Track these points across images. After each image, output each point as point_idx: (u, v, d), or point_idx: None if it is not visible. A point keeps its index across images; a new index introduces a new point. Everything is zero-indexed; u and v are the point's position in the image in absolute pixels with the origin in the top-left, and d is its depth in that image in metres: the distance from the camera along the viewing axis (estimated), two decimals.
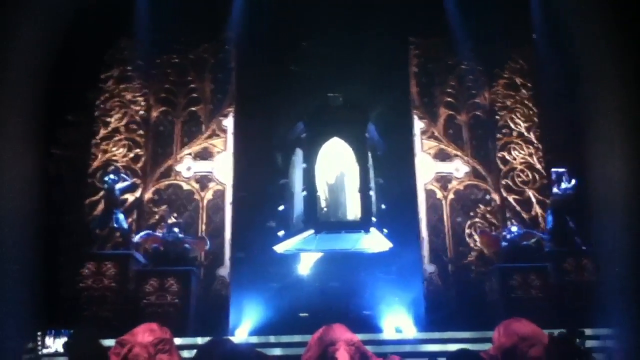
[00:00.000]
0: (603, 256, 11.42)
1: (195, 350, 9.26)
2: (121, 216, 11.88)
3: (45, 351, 9.79)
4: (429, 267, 12.91)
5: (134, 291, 11.35)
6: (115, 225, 11.75)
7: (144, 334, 9.43)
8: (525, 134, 13.85)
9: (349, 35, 14.03)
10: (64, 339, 9.83)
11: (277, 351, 9.74)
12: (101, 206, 12.22)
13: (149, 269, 11.81)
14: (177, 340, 9.93)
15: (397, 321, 11.80)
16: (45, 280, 10.71)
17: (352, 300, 12.06)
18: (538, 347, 9.57)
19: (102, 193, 12.31)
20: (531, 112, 14.04)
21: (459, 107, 14.26)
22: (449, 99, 14.28)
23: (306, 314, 11.88)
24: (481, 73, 14.34)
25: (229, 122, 13.83)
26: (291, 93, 14.03)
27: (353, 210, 13.26)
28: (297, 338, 9.95)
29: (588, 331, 10.21)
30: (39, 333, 9.81)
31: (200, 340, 10.03)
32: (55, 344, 9.85)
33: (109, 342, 9.02)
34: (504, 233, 12.50)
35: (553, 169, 12.93)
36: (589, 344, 9.22)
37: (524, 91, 14.18)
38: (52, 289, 11.12)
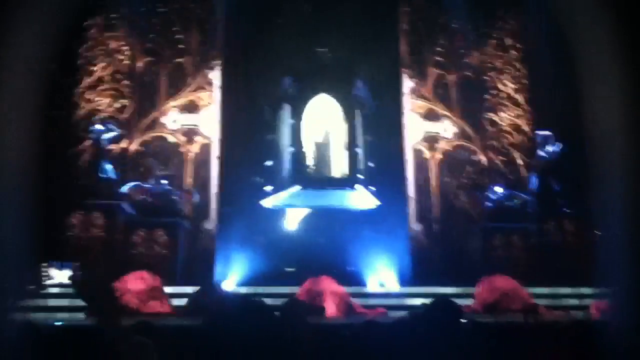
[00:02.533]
0: (586, 218, 11.67)
1: (185, 299, 9.37)
2: (109, 166, 11.79)
3: (49, 282, 9.88)
4: (415, 226, 13.09)
5: (123, 241, 11.36)
6: (102, 175, 11.66)
7: (135, 281, 9.51)
8: (514, 95, 13.91)
9: None
10: (67, 271, 9.94)
11: (266, 301, 9.86)
12: (87, 156, 12.10)
13: (137, 219, 11.79)
14: (166, 289, 10.02)
15: (382, 277, 11.99)
16: (35, 228, 10.64)
17: (338, 256, 12.17)
18: (518, 303, 9.85)
19: (87, 143, 12.16)
20: (520, 73, 14.07)
21: (448, 67, 14.22)
22: (438, 58, 14.21)
23: (292, 269, 12.00)
24: (472, 33, 14.25)
25: (215, 75, 13.63)
26: (279, 47, 13.81)
27: (340, 167, 13.31)
28: (285, 289, 10.07)
29: (567, 290, 10.56)
30: (42, 264, 9.88)
31: (189, 289, 10.13)
32: (59, 275, 9.95)
33: None
34: (489, 194, 12.68)
35: (538, 131, 13.07)
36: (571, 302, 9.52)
37: (513, 52, 14.18)
38: (43, 237, 11.05)
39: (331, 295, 9.73)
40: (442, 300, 4.40)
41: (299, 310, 4.19)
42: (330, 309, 9.56)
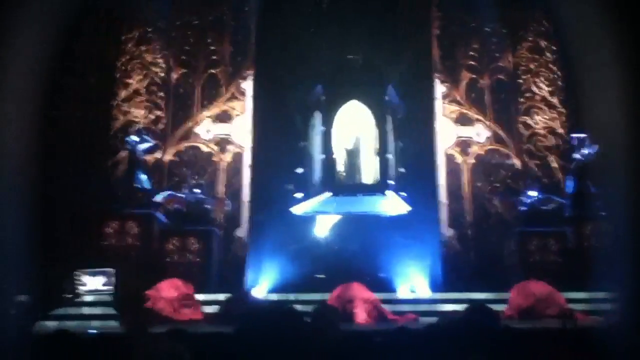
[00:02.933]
0: (621, 222, 11.36)
1: (216, 306, 9.47)
2: (144, 177, 12.04)
3: (84, 289, 10.12)
4: (447, 231, 12.98)
5: (157, 250, 11.57)
6: (137, 185, 11.90)
7: (168, 289, 9.68)
8: (549, 98, 13.66)
9: None
10: (100, 278, 10.18)
11: (297, 308, 9.91)
12: (123, 167, 12.37)
13: (171, 228, 11.99)
14: (199, 297, 10.15)
15: (413, 283, 11.91)
16: (72, 238, 10.97)
17: (369, 262, 12.14)
18: (554, 308, 9.66)
19: (124, 153, 12.44)
20: (555, 75, 13.80)
21: (481, 71, 14.08)
22: (471, 62, 14.09)
23: (323, 276, 12.01)
24: (505, 36, 14.09)
25: (247, 85, 13.83)
26: (310, 55, 13.90)
27: (371, 173, 13.28)
28: (315, 296, 10.09)
29: (603, 294, 10.29)
30: (77, 273, 10.12)
31: (221, 297, 10.24)
32: (92, 281, 10.19)
33: None
34: (524, 198, 12.48)
35: (574, 134, 12.82)
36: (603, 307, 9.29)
37: (548, 54, 13.92)
38: (77, 247, 11.35)
39: (362, 302, 9.72)
40: (478, 306, 4.34)
41: (330, 316, 4.19)
42: (361, 315, 9.54)
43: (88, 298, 10.16)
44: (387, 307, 10.10)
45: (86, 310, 9.81)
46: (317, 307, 4.76)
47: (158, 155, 13.00)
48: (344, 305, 9.71)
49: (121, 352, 4.39)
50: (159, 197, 12.24)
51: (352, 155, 13.52)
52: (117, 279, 10.08)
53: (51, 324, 8.59)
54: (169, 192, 12.47)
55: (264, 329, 2.30)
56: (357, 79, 13.61)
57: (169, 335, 4.64)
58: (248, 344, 2.27)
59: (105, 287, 10.22)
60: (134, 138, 12.20)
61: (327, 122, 13.24)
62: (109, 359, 4.39)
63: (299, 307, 9.42)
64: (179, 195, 12.33)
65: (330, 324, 4.25)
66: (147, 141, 12.43)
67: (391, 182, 12.82)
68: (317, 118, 13.71)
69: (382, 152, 12.91)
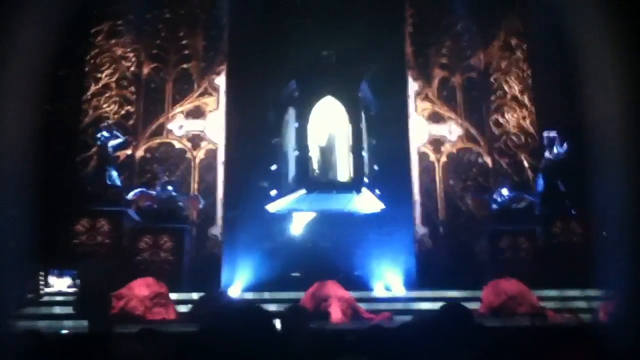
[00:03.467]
0: (593, 219, 11.57)
1: (190, 305, 9.36)
2: (114, 173, 11.83)
3: (48, 290, 9.89)
4: (421, 229, 13.07)
5: (128, 248, 11.39)
6: (108, 182, 11.69)
7: (141, 287, 9.54)
8: (519, 96, 13.85)
9: None
10: (67, 279, 9.96)
11: (272, 307, 9.84)
12: (93, 163, 12.15)
13: (143, 226, 11.82)
14: (172, 296, 10.03)
15: (388, 281, 11.95)
16: (40, 234, 10.71)
17: (343, 260, 12.16)
18: (526, 306, 9.79)
19: (93, 149, 12.21)
20: (525, 74, 14.01)
21: (453, 69, 14.19)
22: (443, 60, 14.18)
23: (298, 274, 11.99)
24: (476, 34, 14.22)
25: (221, 81, 13.68)
26: (284, 51, 13.82)
27: (345, 170, 13.26)
28: (291, 295, 10.06)
29: (575, 292, 10.46)
30: (41, 273, 9.90)
31: (194, 296, 10.14)
32: (58, 283, 9.97)
33: None
34: (495, 196, 12.62)
35: (545, 133, 13.00)
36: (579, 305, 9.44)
37: (519, 53, 14.11)
38: (47, 244, 11.10)
39: (337, 300, 9.71)
40: (452, 305, 4.36)
41: (299, 317, 4.17)
42: (336, 313, 9.54)
43: (58, 298, 9.94)
44: (362, 305, 10.11)
45: (57, 310, 9.60)
46: (287, 308, 4.74)
47: (129, 151, 12.79)
48: (319, 303, 9.70)
49: (92, 352, 4.32)
50: (130, 194, 12.04)
51: (326, 152, 13.45)
52: (80, 280, 9.85)
53: (22, 324, 8.39)
54: (141, 189, 12.28)
55: (231, 329, 2.25)
56: (331, 74, 13.53)
57: (139, 335, 4.57)
58: (215, 343, 2.22)
59: (70, 289, 9.98)
60: (105, 134, 11.97)
61: (301, 118, 13.14)
62: (80, 358, 4.32)
63: (273, 306, 9.46)
64: (151, 192, 12.14)
65: (300, 324, 4.23)
66: (117, 137, 12.21)
67: (366, 179, 12.82)
68: (291, 114, 13.62)
69: (356, 149, 12.88)
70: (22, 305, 9.52)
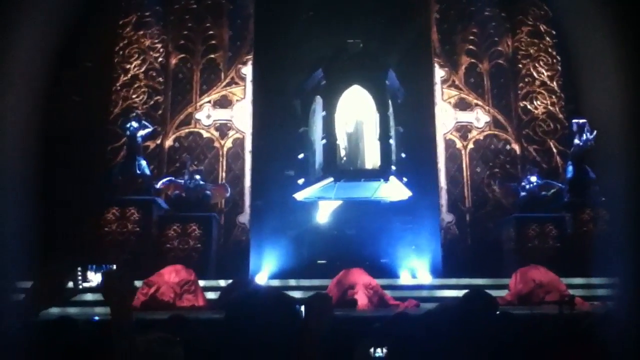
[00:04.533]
0: (621, 207, 11.37)
1: (217, 292, 9.51)
2: (143, 163, 12.02)
3: (86, 285, 10.13)
4: (447, 216, 13.03)
5: (157, 236, 11.60)
6: (137, 171, 11.89)
7: (170, 274, 9.72)
8: (548, 83, 13.64)
9: None
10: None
11: (298, 294, 9.95)
12: (123, 152, 12.37)
13: (171, 214, 12.02)
14: (201, 283, 10.21)
15: (414, 269, 11.97)
16: (72, 223, 10.99)
17: (369, 247, 12.20)
18: (554, 294, 9.71)
19: (123, 139, 12.43)
20: (554, 60, 13.79)
21: (480, 55, 14.04)
22: (470, 47, 14.05)
23: (324, 261, 12.07)
24: (504, 20, 14.04)
25: (247, 70, 13.77)
26: (310, 39, 13.83)
27: (372, 158, 13.26)
28: (316, 282, 10.16)
29: (602, 280, 10.33)
30: (79, 268, 10.14)
31: (222, 283, 10.30)
32: (96, 277, 10.20)
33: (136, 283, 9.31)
34: (523, 183, 12.50)
35: (574, 120, 12.80)
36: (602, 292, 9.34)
37: (547, 39, 13.88)
38: (78, 235, 11.35)
39: (363, 287, 9.77)
40: (476, 292, 4.37)
41: (323, 304, 4.23)
42: (362, 300, 9.60)
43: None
44: (388, 293, 10.16)
45: (90, 297, 9.85)
46: (310, 296, 4.80)
47: (158, 141, 12.99)
48: (345, 290, 9.77)
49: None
50: (159, 183, 12.24)
51: (354, 141, 13.49)
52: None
53: (54, 311, 8.63)
54: (169, 178, 12.47)
55: (256, 316, 2.31)
56: (357, 63, 13.50)
57: (169, 322, 4.68)
58: (241, 330, 2.29)
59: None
60: (134, 124, 12.14)
61: (329, 107, 13.16)
62: (111, 345, 4.46)
63: (299, 293, 9.55)
64: (179, 181, 12.32)
65: (323, 311, 4.28)
66: (146, 127, 12.37)
67: (393, 167, 12.81)
68: (318, 103, 13.65)
69: (383, 137, 12.86)
70: (61, 299, 9.79)
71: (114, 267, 2.59)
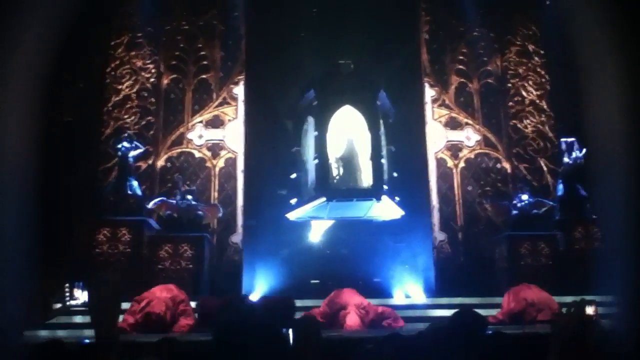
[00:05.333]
0: (613, 224, 11.44)
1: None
2: (135, 183, 12.02)
3: (73, 302, 10.08)
4: (439, 235, 13.05)
5: (149, 257, 11.54)
6: (129, 191, 11.87)
7: (162, 292, 9.63)
8: (537, 102, 13.79)
9: (360, 2, 13.87)
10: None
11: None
12: (114, 173, 12.36)
13: (163, 234, 11.98)
14: (192, 303, 10.14)
15: (407, 288, 11.94)
16: (62, 245, 10.93)
17: (362, 267, 12.17)
18: (546, 313, 9.72)
19: (115, 160, 12.42)
20: (543, 79, 13.96)
21: (470, 75, 14.18)
22: (460, 67, 14.20)
23: (317, 281, 12.03)
24: (493, 40, 14.22)
25: (239, 90, 13.83)
26: (302, 60, 13.92)
27: (365, 178, 13.30)
28: (309, 302, 10.11)
29: (597, 298, 10.33)
30: (66, 285, 10.08)
31: None
32: (83, 295, 10.15)
33: (125, 305, 9.23)
34: (515, 201, 12.55)
35: (562, 139, 12.93)
36: (599, 310, 9.32)
37: (536, 58, 14.07)
38: (68, 254, 11.29)
39: (355, 308, 9.73)
40: (465, 311, 4.36)
41: (310, 328, 4.21)
42: (354, 321, 9.55)
43: (79, 309, 10.09)
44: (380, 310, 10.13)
45: (77, 319, 9.76)
46: (297, 319, 4.78)
47: (150, 161, 12.99)
48: (337, 311, 9.72)
49: None
50: (150, 204, 12.21)
51: (346, 160, 13.52)
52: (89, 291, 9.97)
53: (42, 333, 8.56)
54: (161, 198, 12.45)
55: (242, 340, 2.31)
56: (348, 83, 13.61)
57: (159, 346, 4.65)
58: (227, 355, 2.29)
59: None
60: (125, 144, 12.16)
61: (321, 127, 13.22)
62: None
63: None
64: (171, 201, 12.30)
65: (311, 335, 4.26)
66: (138, 147, 12.39)
67: (385, 186, 12.85)
68: (310, 123, 13.71)
69: (375, 156, 12.91)
70: (49, 316, 9.71)
71: (102, 283, 2.58)
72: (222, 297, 9.97)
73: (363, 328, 9.60)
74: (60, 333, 8.44)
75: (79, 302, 10.10)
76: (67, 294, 10.02)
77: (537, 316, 9.67)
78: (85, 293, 10.17)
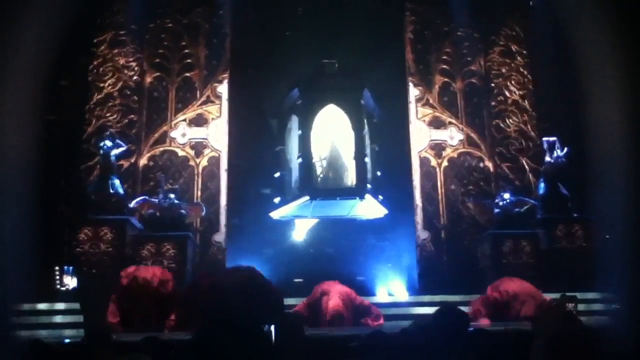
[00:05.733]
0: (595, 222, 11.59)
1: None
2: (117, 182, 11.90)
3: (63, 288, 10.00)
4: (423, 234, 13.10)
5: (131, 256, 11.44)
6: (111, 190, 11.76)
7: (148, 268, 9.58)
8: (520, 101, 13.91)
9: (345, 1, 13.91)
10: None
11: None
12: (96, 171, 12.25)
13: (145, 234, 11.89)
14: None
15: (390, 286, 11.99)
16: (45, 243, 10.81)
17: (346, 266, 12.18)
18: (530, 305, 9.75)
19: (97, 158, 12.31)
20: (526, 79, 14.08)
21: (454, 75, 14.26)
22: (444, 66, 14.27)
23: (301, 280, 12.03)
24: (477, 40, 14.31)
25: (223, 89, 13.77)
26: (286, 59, 13.93)
27: (348, 177, 13.34)
28: (292, 301, 10.11)
29: (578, 295, 10.47)
30: (56, 268, 10.00)
31: None
32: (72, 281, 10.09)
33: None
34: (497, 200, 12.65)
35: (544, 138, 13.06)
36: (580, 307, 9.45)
37: (519, 59, 14.18)
38: (52, 253, 11.17)
39: (337, 293, 9.78)
40: (448, 309, 4.39)
41: (294, 324, 4.23)
42: (336, 302, 9.55)
43: (61, 306, 10.02)
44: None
45: (59, 319, 9.67)
46: (280, 316, 4.79)
47: (132, 159, 12.89)
48: (320, 298, 9.77)
49: None
50: (133, 203, 12.11)
51: (330, 159, 13.56)
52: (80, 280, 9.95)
53: (25, 334, 8.46)
54: (143, 197, 12.34)
55: (224, 339, 2.30)
56: (333, 83, 13.65)
57: (143, 344, 4.62)
58: (209, 353, 2.28)
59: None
60: (108, 143, 12.04)
61: (305, 126, 13.24)
62: None
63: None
64: (154, 200, 12.20)
65: (294, 332, 4.27)
66: (120, 145, 12.28)
67: (369, 185, 12.89)
68: (294, 122, 13.72)
69: (359, 155, 12.96)
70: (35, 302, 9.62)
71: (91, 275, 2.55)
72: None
73: (347, 314, 9.58)
74: (43, 333, 8.34)
75: (68, 288, 10.04)
76: (58, 281, 9.95)
77: (521, 310, 9.69)
78: (75, 279, 10.12)
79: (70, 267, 10.30)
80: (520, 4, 14.33)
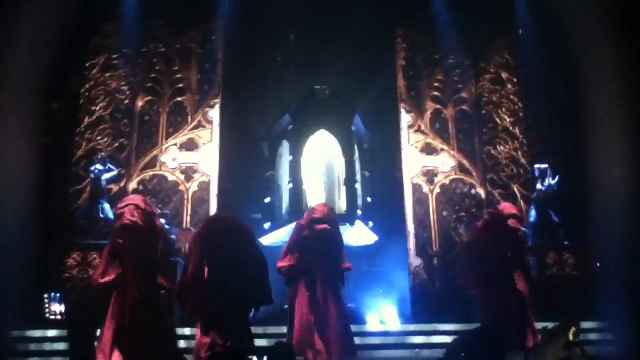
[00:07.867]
0: (586, 251, 11.61)
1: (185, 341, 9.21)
2: (107, 206, 11.78)
3: (52, 317, 9.79)
4: (415, 261, 13.01)
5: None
6: (101, 215, 11.64)
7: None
8: (511, 128, 14.01)
9: (337, 28, 14.02)
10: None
11: (264, 342, 9.73)
12: (86, 195, 12.12)
13: None
14: None
15: (382, 314, 11.84)
16: (34, 268, 10.66)
17: None
18: (516, 220, 9.46)
19: (86, 182, 12.20)
20: (516, 107, 14.20)
21: (445, 102, 14.34)
22: (435, 93, 14.35)
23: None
24: (468, 67, 14.44)
25: (215, 114, 13.74)
26: (278, 85, 14.01)
27: (339, 203, 13.30)
28: (284, 329, 9.93)
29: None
30: (45, 295, 9.79)
31: (188, 331, 10.00)
32: (60, 307, 9.87)
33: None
34: None
35: (536, 165, 13.13)
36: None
37: (509, 86, 14.33)
38: (41, 278, 10.99)
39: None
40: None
41: (286, 353, 4.17)
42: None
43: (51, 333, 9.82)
44: (356, 340, 9.97)
45: (52, 333, 9.48)
46: (272, 346, 4.72)
47: (122, 184, 12.78)
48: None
49: None
50: None
51: (320, 185, 13.54)
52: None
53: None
54: None
55: None
56: (325, 109, 13.71)
57: None
58: None
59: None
60: (98, 167, 11.96)
61: (295, 152, 13.25)
62: None
63: (264, 341, 9.31)
64: None
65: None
66: (111, 170, 12.20)
67: (359, 212, 12.85)
68: (285, 147, 13.72)
69: (349, 181, 12.94)
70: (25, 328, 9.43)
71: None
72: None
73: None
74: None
75: (57, 317, 9.84)
76: (47, 308, 9.77)
77: (508, 222, 9.29)
78: (63, 307, 9.94)
79: (58, 294, 10.11)
80: (510, 32, 14.51)
